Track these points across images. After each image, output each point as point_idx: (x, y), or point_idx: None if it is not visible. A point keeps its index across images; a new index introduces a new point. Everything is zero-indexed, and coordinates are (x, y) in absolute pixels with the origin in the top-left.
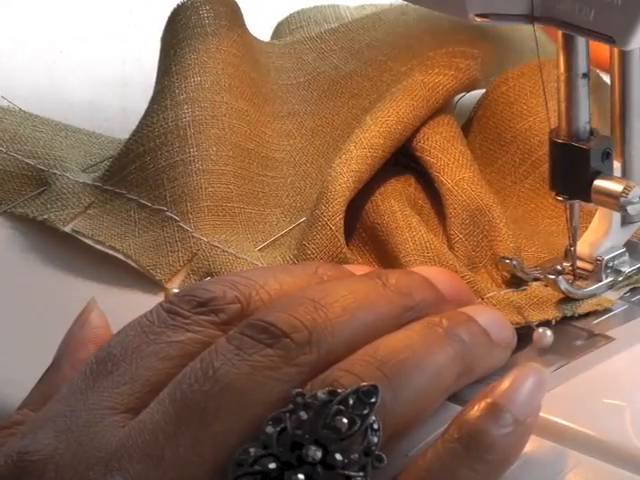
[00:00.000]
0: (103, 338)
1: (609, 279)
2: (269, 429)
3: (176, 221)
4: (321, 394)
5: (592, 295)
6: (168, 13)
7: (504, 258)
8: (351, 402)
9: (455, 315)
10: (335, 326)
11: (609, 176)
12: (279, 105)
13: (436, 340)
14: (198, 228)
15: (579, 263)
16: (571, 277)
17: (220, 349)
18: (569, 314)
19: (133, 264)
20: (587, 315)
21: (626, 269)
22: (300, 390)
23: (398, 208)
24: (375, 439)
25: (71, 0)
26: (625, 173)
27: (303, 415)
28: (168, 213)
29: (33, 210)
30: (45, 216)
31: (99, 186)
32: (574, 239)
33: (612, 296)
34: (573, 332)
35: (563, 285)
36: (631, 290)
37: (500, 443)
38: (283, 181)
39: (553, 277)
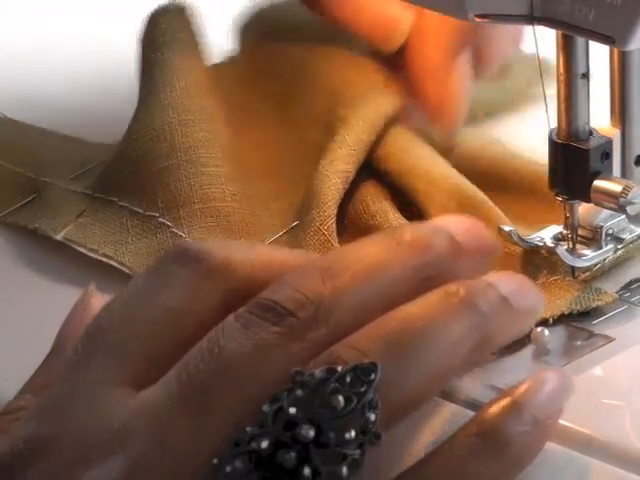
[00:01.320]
0: None
1: (609, 246)
2: (266, 407)
3: (169, 227)
4: (319, 372)
5: (588, 269)
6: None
7: (502, 227)
8: (348, 380)
9: (474, 283)
10: (343, 298)
11: (608, 176)
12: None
13: (451, 311)
14: (192, 233)
15: (579, 231)
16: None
17: (227, 328)
18: (567, 312)
19: (127, 271)
20: (587, 315)
21: (626, 236)
22: (299, 369)
23: (390, 208)
24: (372, 417)
25: (55, 4)
26: (625, 174)
27: (299, 393)
28: (161, 219)
29: (24, 218)
30: (36, 224)
31: (90, 194)
32: (574, 240)
33: (611, 289)
34: (573, 332)
35: (562, 252)
36: (631, 290)
37: (517, 441)
38: (268, 186)
39: (552, 245)
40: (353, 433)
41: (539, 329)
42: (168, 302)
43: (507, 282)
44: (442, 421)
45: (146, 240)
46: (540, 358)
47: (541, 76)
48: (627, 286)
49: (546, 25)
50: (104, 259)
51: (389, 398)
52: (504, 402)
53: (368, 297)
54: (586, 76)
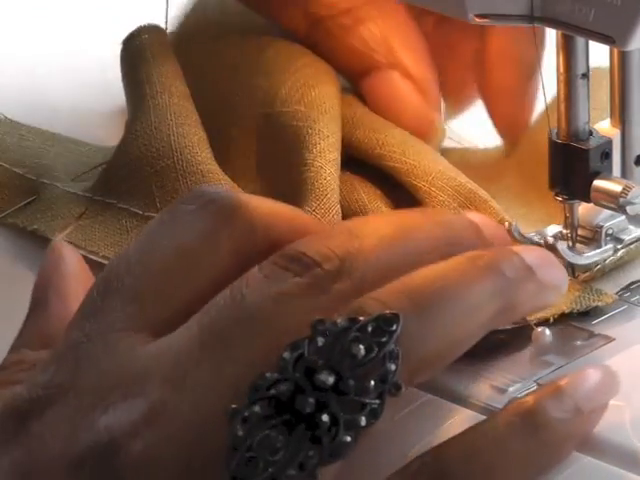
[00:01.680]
0: (83, 271)
1: (609, 246)
2: (286, 354)
3: None
4: (341, 321)
5: (589, 270)
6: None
7: (503, 221)
8: (370, 329)
9: (499, 250)
10: (369, 255)
11: (608, 176)
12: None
13: (475, 273)
14: None
15: (579, 230)
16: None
17: (250, 278)
18: (567, 311)
19: None
20: (587, 315)
21: (626, 236)
22: (321, 317)
23: (385, 209)
24: (393, 367)
25: (53, 5)
26: (625, 174)
27: (320, 341)
28: None
29: (23, 220)
30: (35, 226)
31: (89, 197)
32: (574, 240)
33: (611, 290)
34: (573, 332)
35: (562, 249)
36: (631, 290)
37: (556, 427)
38: (253, 186)
39: (552, 242)
40: (373, 382)
41: (539, 329)
42: (184, 246)
43: (533, 253)
44: (442, 421)
45: None
46: (540, 358)
47: (541, 76)
48: (627, 287)
49: (546, 25)
50: (104, 261)
51: (410, 351)
52: (548, 387)
53: (393, 258)
54: (586, 76)
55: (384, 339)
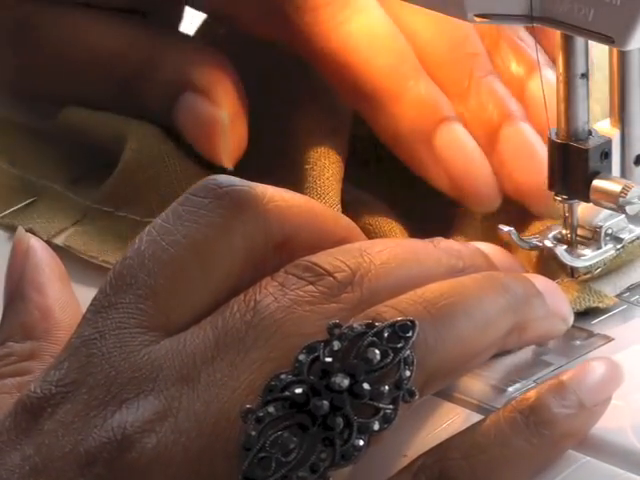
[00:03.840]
0: (53, 260)
1: (608, 246)
2: (302, 357)
3: None
4: (357, 325)
5: (589, 271)
6: None
7: (501, 227)
8: (386, 335)
9: (511, 273)
10: (380, 270)
11: (608, 176)
12: None
13: (489, 289)
14: None
15: (578, 231)
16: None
17: (264, 285)
18: None
19: None
20: (586, 315)
21: (626, 236)
22: (337, 321)
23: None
24: (408, 373)
25: None
26: (624, 173)
27: (337, 345)
28: None
29: (20, 220)
30: (30, 225)
31: (88, 205)
32: (573, 240)
33: (611, 290)
34: (572, 332)
35: (561, 253)
36: (631, 290)
37: (560, 422)
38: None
39: (551, 245)
40: (387, 387)
41: None
42: (198, 242)
43: (542, 281)
44: (441, 421)
45: None
46: (539, 358)
47: (540, 76)
48: (627, 288)
49: (545, 25)
50: (104, 264)
51: (425, 359)
52: (551, 382)
53: (403, 275)
54: (585, 76)
55: (400, 345)
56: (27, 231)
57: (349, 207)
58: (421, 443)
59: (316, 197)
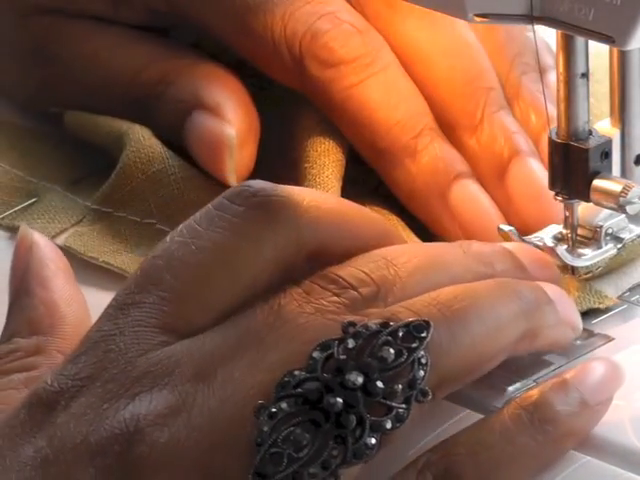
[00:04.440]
0: (57, 255)
1: (609, 246)
2: (316, 354)
3: (167, 232)
4: (372, 324)
5: (589, 271)
6: None
7: (502, 227)
8: (401, 334)
9: (524, 280)
10: (405, 284)
11: (608, 176)
12: None
13: (502, 294)
14: None
15: (579, 230)
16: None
17: (289, 291)
18: None
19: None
20: (586, 314)
21: (626, 236)
22: (352, 320)
23: (387, 212)
24: (421, 373)
25: None
26: (624, 173)
27: (351, 343)
28: (158, 225)
29: (21, 221)
30: (31, 226)
31: (87, 205)
32: (573, 240)
33: (611, 290)
34: None
35: (562, 252)
36: (631, 290)
37: (563, 420)
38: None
39: (552, 245)
40: (400, 386)
41: None
42: (227, 251)
43: (553, 289)
44: (441, 420)
45: (145, 247)
46: (540, 357)
47: (541, 78)
48: (627, 289)
49: (546, 24)
50: (104, 265)
51: (438, 360)
52: (554, 380)
53: (428, 287)
54: (585, 76)
55: (414, 345)
56: None
57: None
58: (421, 443)
59: None
